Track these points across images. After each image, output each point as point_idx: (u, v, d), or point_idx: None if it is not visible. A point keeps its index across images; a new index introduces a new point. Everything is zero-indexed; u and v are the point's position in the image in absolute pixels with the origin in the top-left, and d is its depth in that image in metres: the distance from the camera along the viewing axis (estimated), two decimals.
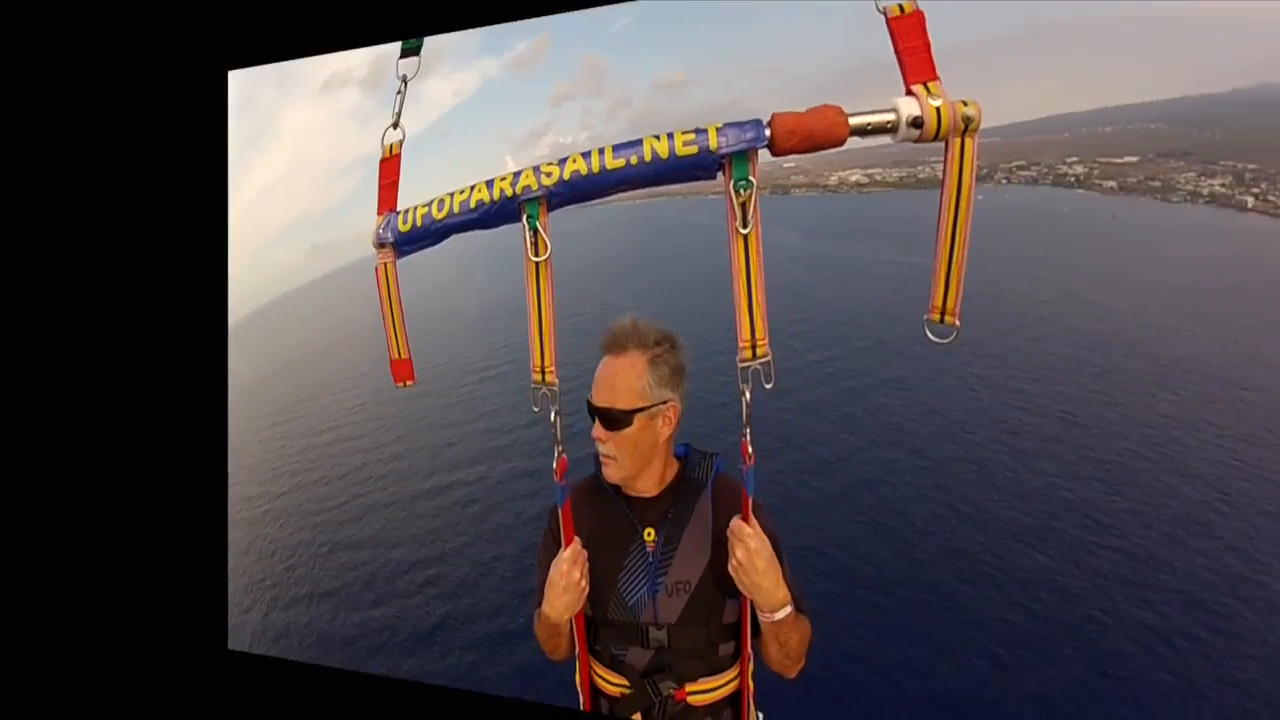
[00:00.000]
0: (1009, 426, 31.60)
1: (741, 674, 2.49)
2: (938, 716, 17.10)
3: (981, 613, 19.98)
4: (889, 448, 30.48)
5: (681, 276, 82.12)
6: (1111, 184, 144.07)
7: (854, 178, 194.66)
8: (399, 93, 2.25)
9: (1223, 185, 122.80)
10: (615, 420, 2.33)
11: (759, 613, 2.23)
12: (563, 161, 1.91)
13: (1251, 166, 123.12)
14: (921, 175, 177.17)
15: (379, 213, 2.19)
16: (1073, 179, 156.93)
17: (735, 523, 2.17)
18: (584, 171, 1.89)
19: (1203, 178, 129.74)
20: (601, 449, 2.39)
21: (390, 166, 2.27)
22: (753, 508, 2.19)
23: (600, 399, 2.33)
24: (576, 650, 2.53)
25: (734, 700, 2.52)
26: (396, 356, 2.29)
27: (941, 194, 1.79)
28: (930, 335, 1.84)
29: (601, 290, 79.08)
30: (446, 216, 2.03)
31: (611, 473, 2.42)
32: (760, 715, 2.58)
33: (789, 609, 2.20)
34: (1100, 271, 62.74)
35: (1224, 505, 24.70)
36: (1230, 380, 36.27)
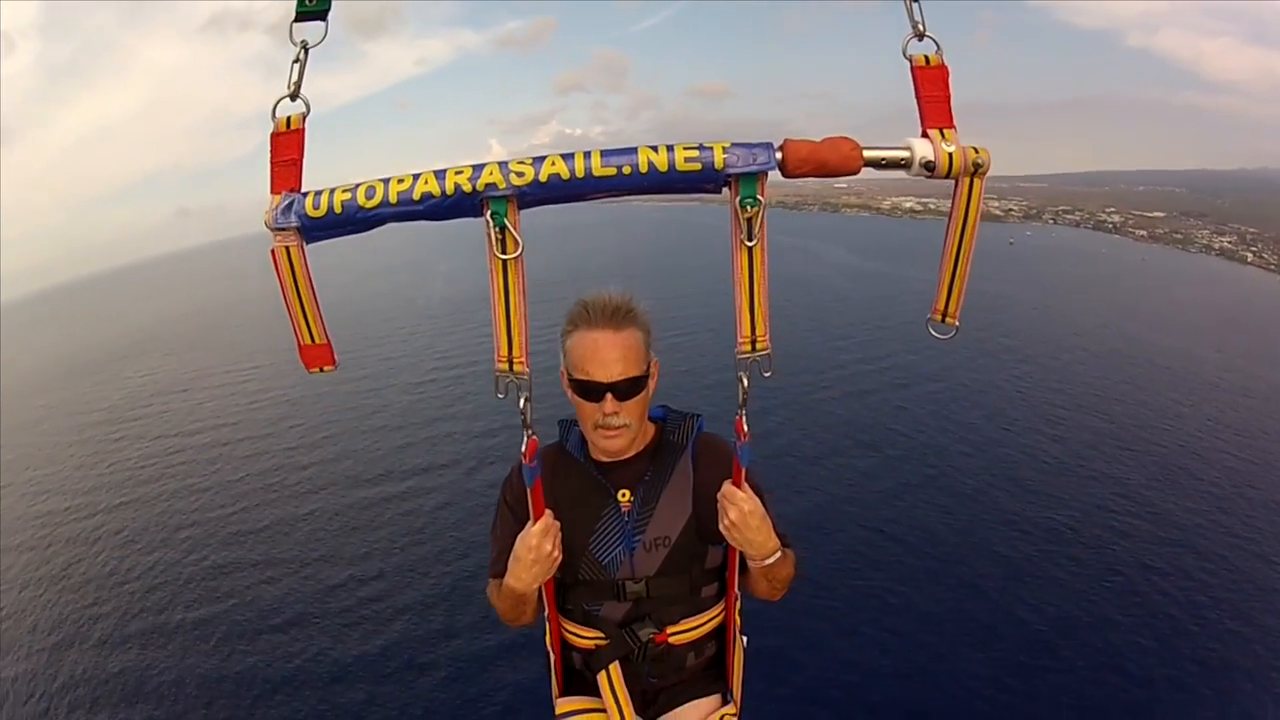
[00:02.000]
0: (1051, 420, 36.16)
1: (727, 609, 2.64)
2: (977, 655, 19.70)
3: (1020, 569, 23.25)
4: (943, 435, 34.06)
5: (702, 284, 77.94)
6: (1142, 233, 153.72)
7: (908, 204, 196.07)
8: (297, 60, 1.94)
9: (1229, 243, 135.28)
10: (635, 388, 2.39)
11: (751, 562, 2.38)
12: (538, 161, 1.82)
13: (1252, 230, 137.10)
14: None
15: (273, 191, 1.94)
16: (1110, 226, 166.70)
17: (728, 488, 2.29)
18: (565, 175, 1.80)
19: (1214, 235, 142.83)
20: (614, 422, 2.41)
21: (288, 142, 1.97)
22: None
23: (615, 373, 2.35)
24: (546, 612, 2.59)
25: (718, 633, 2.69)
26: (307, 342, 2.05)
27: (949, 221, 1.90)
28: (933, 333, 2.00)
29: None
30: (379, 206, 1.86)
31: (623, 443, 2.48)
32: (744, 639, 2.73)
33: (778, 554, 2.37)
34: (1129, 303, 68.54)
35: (1223, 481, 30.17)
36: (1229, 388, 43.59)
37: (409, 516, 29.55)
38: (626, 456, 2.56)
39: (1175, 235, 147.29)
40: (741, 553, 2.42)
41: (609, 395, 2.37)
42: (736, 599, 2.63)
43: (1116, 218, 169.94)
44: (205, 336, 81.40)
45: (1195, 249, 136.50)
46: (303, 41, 1.97)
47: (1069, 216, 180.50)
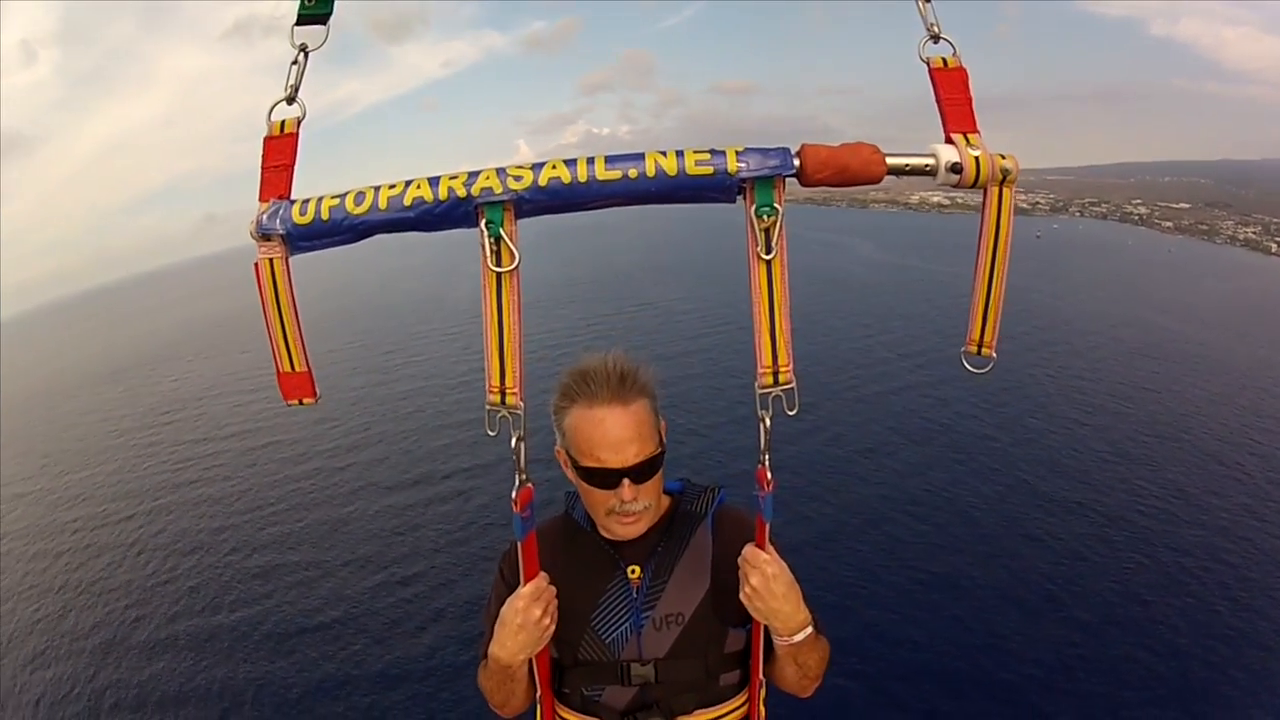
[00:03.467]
0: (1084, 408, 36.77)
1: (751, 700, 2.37)
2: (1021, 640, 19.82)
3: (1057, 551, 23.67)
4: (982, 426, 34.47)
5: (735, 274, 78.20)
6: (1169, 224, 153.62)
7: (935, 198, 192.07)
8: (295, 63, 1.91)
9: (1254, 233, 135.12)
10: (653, 468, 2.16)
11: (776, 638, 2.13)
12: (537, 166, 1.73)
13: (1276, 220, 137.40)
14: None
15: (261, 198, 1.88)
16: (1136, 217, 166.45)
17: (749, 550, 2.08)
18: (566, 180, 1.71)
19: (1239, 226, 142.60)
20: (633, 509, 2.17)
21: (280, 146, 1.92)
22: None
23: (631, 456, 2.10)
24: (539, 694, 2.34)
25: None
26: (287, 369, 1.95)
27: (980, 237, 1.80)
28: (968, 366, 1.85)
29: (649, 288, 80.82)
30: (368, 212, 1.77)
31: (641, 527, 2.24)
32: None
33: (809, 630, 2.11)
34: (1154, 295, 68.79)
35: (1250, 466, 30.27)
36: (1251, 379, 43.37)
37: (453, 516, 29.25)
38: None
39: (1201, 226, 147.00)
40: (768, 631, 2.17)
41: (625, 481, 2.12)
42: (761, 687, 2.35)
43: (1143, 209, 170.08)
44: (237, 340, 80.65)
45: (1220, 240, 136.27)
46: (302, 44, 1.94)
47: (1095, 209, 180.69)
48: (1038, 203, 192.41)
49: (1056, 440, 32.96)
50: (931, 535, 24.95)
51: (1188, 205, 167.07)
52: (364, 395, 48.05)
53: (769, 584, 2.02)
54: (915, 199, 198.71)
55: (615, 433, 2.09)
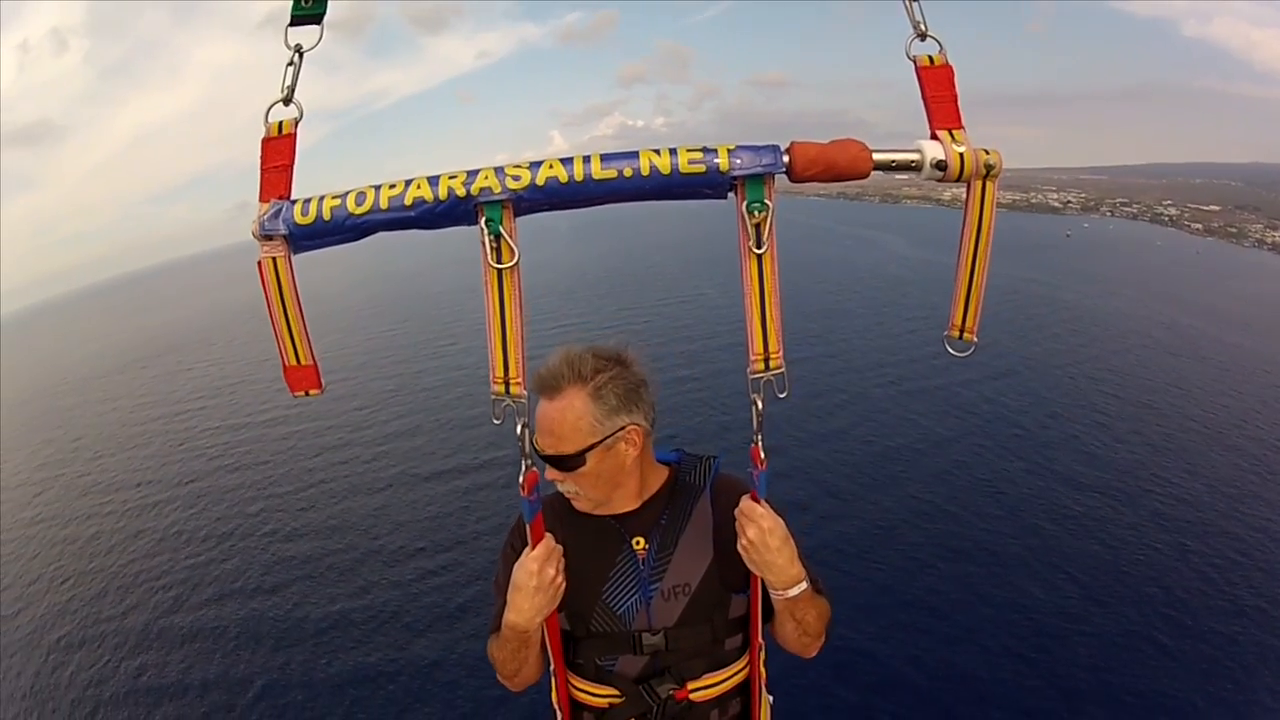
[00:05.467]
0: (1100, 409, 36.55)
1: (751, 662, 2.45)
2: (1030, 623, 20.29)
3: (1064, 546, 24.04)
4: (996, 423, 34.59)
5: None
6: (1198, 226, 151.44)
7: None
8: (291, 64, 1.93)
9: None
10: (566, 464, 2.23)
11: (773, 592, 2.20)
12: (535, 165, 1.78)
13: None
14: (1034, 200, 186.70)
15: (262, 199, 1.90)
16: (1166, 218, 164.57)
17: (746, 504, 2.13)
18: (563, 179, 1.75)
19: (1268, 229, 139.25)
20: (561, 488, 2.33)
21: (279, 147, 1.94)
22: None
23: (545, 446, 2.23)
24: (552, 666, 2.42)
25: (743, 689, 2.48)
26: (292, 363, 1.99)
27: (963, 229, 1.86)
28: (950, 350, 1.91)
29: (682, 282, 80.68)
30: (369, 212, 1.81)
31: (581, 505, 2.36)
32: (770, 698, 2.57)
33: (804, 585, 2.17)
34: (1182, 296, 67.90)
35: (1265, 470, 29.95)
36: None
37: (487, 505, 29.15)
38: (633, 508, 2.40)
39: (1230, 229, 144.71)
40: (766, 593, 2.26)
41: (546, 465, 2.28)
42: (761, 649, 2.45)
43: (1173, 210, 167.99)
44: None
45: (1249, 243, 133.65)
46: (297, 45, 1.96)
47: (1126, 209, 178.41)
48: (1069, 201, 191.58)
49: (1091, 435, 33.15)
50: (968, 519, 25.55)
51: (1217, 207, 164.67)
52: (401, 384, 48.30)
53: (765, 536, 2.09)
54: (948, 196, 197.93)
55: (539, 423, 2.24)
